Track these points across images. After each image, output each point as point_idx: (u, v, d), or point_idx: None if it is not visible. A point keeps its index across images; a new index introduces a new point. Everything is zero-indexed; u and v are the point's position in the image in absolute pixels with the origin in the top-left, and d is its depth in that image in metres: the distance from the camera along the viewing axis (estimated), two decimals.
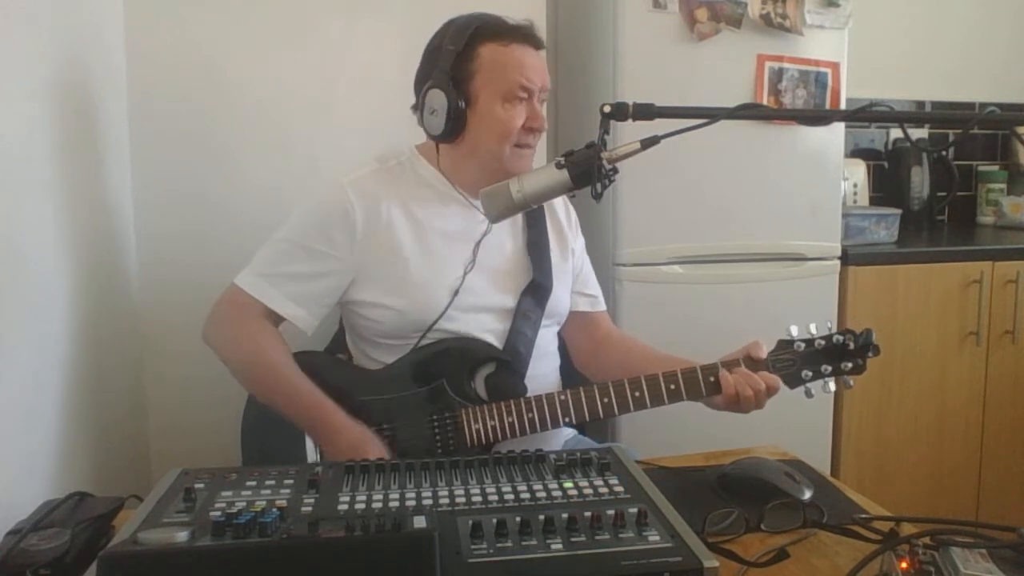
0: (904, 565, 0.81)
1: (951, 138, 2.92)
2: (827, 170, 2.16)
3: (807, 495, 1.07)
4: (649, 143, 1.03)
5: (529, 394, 1.31)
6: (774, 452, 1.28)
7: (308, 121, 2.02)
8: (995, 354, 2.36)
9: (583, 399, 1.24)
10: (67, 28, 1.51)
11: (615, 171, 1.06)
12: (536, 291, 1.40)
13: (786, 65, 2.06)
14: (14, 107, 1.22)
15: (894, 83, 2.82)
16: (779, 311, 2.08)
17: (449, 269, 1.35)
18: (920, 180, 2.73)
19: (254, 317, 1.30)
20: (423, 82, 1.34)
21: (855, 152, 2.87)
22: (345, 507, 0.87)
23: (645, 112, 1.04)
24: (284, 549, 0.72)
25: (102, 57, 1.76)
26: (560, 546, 0.78)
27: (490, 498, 0.90)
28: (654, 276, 2.04)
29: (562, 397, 1.25)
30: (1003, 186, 2.97)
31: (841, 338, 1.19)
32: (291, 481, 0.94)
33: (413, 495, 0.91)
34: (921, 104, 2.90)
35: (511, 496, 0.90)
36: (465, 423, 1.25)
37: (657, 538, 0.80)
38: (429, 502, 0.89)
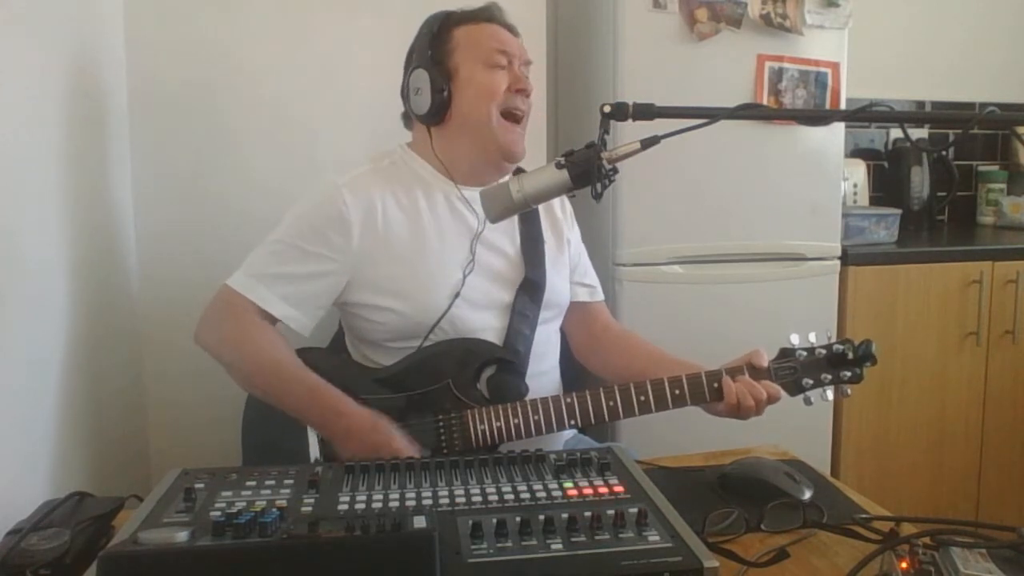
0: (904, 565, 0.81)
1: (951, 138, 2.92)
2: (827, 170, 2.16)
3: (807, 495, 1.07)
4: (649, 143, 1.03)
5: (530, 393, 1.31)
6: (774, 452, 1.28)
7: (309, 119, 2.02)
8: (995, 354, 2.36)
9: (589, 402, 1.24)
10: (67, 26, 1.51)
11: (615, 171, 1.06)
12: (530, 288, 1.40)
13: (786, 65, 2.06)
14: (14, 105, 1.22)
15: (894, 83, 2.82)
16: (779, 311, 2.08)
17: (448, 270, 1.34)
18: (920, 180, 2.73)
19: (249, 317, 1.29)
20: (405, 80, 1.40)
21: (855, 152, 2.87)
22: (345, 507, 0.87)
23: (645, 112, 1.04)
24: (284, 549, 0.72)
25: (103, 55, 1.76)
26: (560, 546, 0.78)
27: (490, 498, 0.90)
28: (654, 276, 2.04)
29: (568, 400, 1.25)
30: (1003, 186, 2.97)
31: (841, 347, 1.20)
32: (291, 481, 0.94)
33: (413, 495, 0.91)
34: (921, 104, 2.90)
35: (511, 496, 0.90)
36: (471, 424, 1.25)
37: (657, 538, 0.80)
38: (429, 502, 0.89)
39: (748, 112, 1.10)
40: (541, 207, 1.46)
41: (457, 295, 1.33)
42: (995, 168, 3.04)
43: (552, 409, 1.24)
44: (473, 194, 1.36)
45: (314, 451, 1.26)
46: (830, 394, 1.21)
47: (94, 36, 1.71)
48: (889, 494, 2.27)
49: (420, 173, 1.40)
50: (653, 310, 2.03)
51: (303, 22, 2.00)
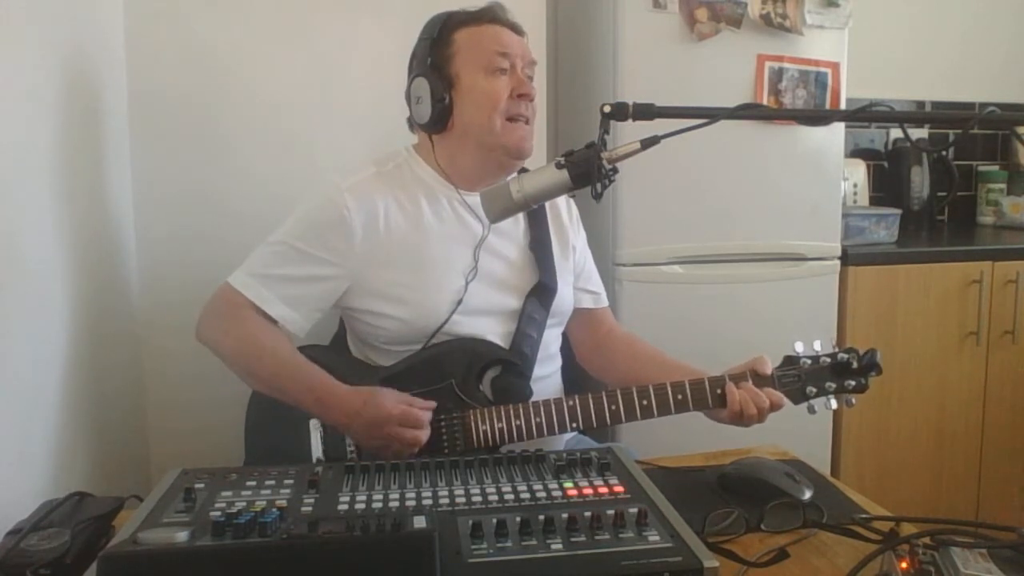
0: (904, 565, 0.81)
1: (951, 138, 2.92)
2: (827, 170, 2.16)
3: (807, 495, 1.07)
4: (649, 143, 1.03)
5: (533, 396, 1.31)
6: (774, 452, 1.28)
7: (309, 121, 2.02)
8: (995, 354, 2.36)
9: (591, 405, 1.24)
10: (67, 28, 1.51)
11: (615, 171, 1.06)
12: (542, 293, 1.40)
13: (786, 65, 2.06)
14: (13, 106, 1.22)
15: (894, 83, 2.82)
16: (779, 311, 2.09)
17: (450, 277, 1.34)
18: (920, 180, 2.73)
19: (246, 312, 1.29)
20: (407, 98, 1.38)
21: (855, 152, 2.87)
22: (345, 507, 0.87)
23: (645, 112, 1.04)
24: (284, 549, 0.72)
25: (102, 57, 1.76)
26: (560, 546, 0.78)
27: (490, 498, 0.90)
28: (654, 276, 2.04)
29: (570, 403, 1.25)
30: (1003, 186, 2.97)
31: (846, 356, 1.20)
32: (291, 481, 0.94)
33: (413, 495, 0.91)
34: (921, 104, 2.90)
35: (511, 496, 0.90)
36: (473, 425, 1.25)
37: (657, 538, 0.80)
38: (429, 502, 0.89)
39: (748, 112, 1.10)
40: (548, 212, 1.47)
41: (459, 302, 1.32)
42: (995, 168, 3.05)
43: (554, 411, 1.24)
44: (476, 200, 1.35)
45: (316, 451, 1.26)
46: (834, 403, 1.21)
47: (94, 39, 1.71)
48: (889, 494, 2.28)
49: (424, 178, 1.39)
50: (653, 310, 2.03)
51: (303, 25, 2.00)
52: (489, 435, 1.24)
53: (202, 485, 0.92)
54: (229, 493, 0.91)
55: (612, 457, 1.01)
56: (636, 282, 2.03)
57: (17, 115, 1.23)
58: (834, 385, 1.20)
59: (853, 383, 1.20)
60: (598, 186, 1.05)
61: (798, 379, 1.21)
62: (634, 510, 0.84)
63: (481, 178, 1.36)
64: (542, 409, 1.24)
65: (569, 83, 2.32)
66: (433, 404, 1.23)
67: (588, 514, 0.83)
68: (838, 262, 2.20)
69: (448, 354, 1.31)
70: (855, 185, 2.69)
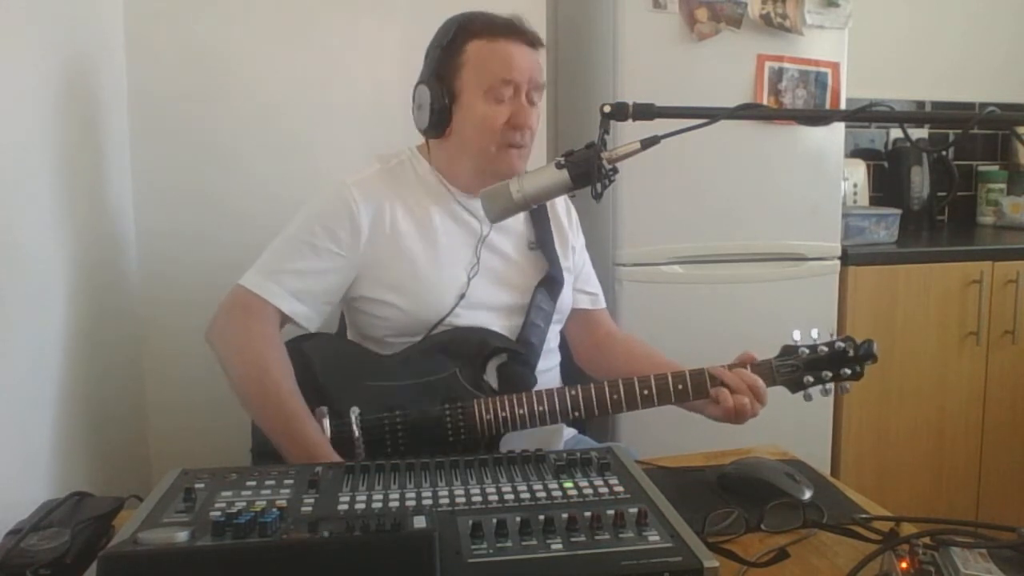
0: (904, 565, 0.81)
1: (951, 138, 2.92)
2: (827, 170, 2.16)
3: (807, 495, 1.07)
4: (649, 143, 1.03)
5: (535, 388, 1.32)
6: (774, 452, 1.28)
7: (308, 120, 2.02)
8: (995, 354, 2.36)
9: (593, 394, 1.25)
10: (67, 27, 1.51)
11: (615, 171, 1.06)
12: (550, 284, 1.41)
13: (786, 65, 2.06)
14: (14, 106, 1.22)
15: (894, 83, 2.82)
16: (779, 311, 2.08)
17: (453, 272, 1.36)
18: (920, 180, 2.73)
19: (260, 323, 1.27)
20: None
21: (855, 152, 2.87)
22: (345, 507, 0.87)
23: (645, 112, 1.04)
24: (284, 549, 0.72)
25: (102, 56, 1.76)
26: (560, 546, 0.78)
27: (490, 498, 0.90)
28: (654, 276, 2.04)
29: (572, 392, 1.26)
30: (1003, 186, 2.97)
31: (843, 345, 1.21)
32: (291, 481, 0.94)
33: (413, 495, 0.91)
34: (921, 104, 2.90)
35: (511, 496, 0.90)
36: (477, 413, 1.26)
37: (657, 538, 0.80)
38: (429, 502, 0.89)
39: (748, 112, 1.10)
40: (549, 214, 1.48)
41: (462, 296, 1.34)
42: (995, 168, 3.05)
43: (557, 400, 1.25)
44: (472, 203, 1.37)
45: None
46: (830, 387, 1.22)
47: (94, 39, 1.71)
48: (889, 494, 2.27)
49: (425, 177, 1.41)
50: (653, 310, 2.03)
51: (303, 25, 2.00)
52: (493, 423, 1.25)
53: (202, 485, 0.92)
54: (229, 493, 0.90)
55: (612, 457, 1.01)
56: (636, 282, 2.03)
57: (17, 115, 1.23)
58: (831, 374, 1.21)
59: (849, 371, 1.20)
60: (598, 186, 1.05)
61: (796, 369, 1.21)
62: (634, 510, 0.84)
63: (476, 186, 1.34)
64: (545, 398, 1.25)
65: (569, 83, 2.32)
66: None
67: (588, 514, 0.83)
68: (838, 262, 2.20)
69: (453, 342, 1.32)
70: (855, 185, 2.69)
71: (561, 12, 2.34)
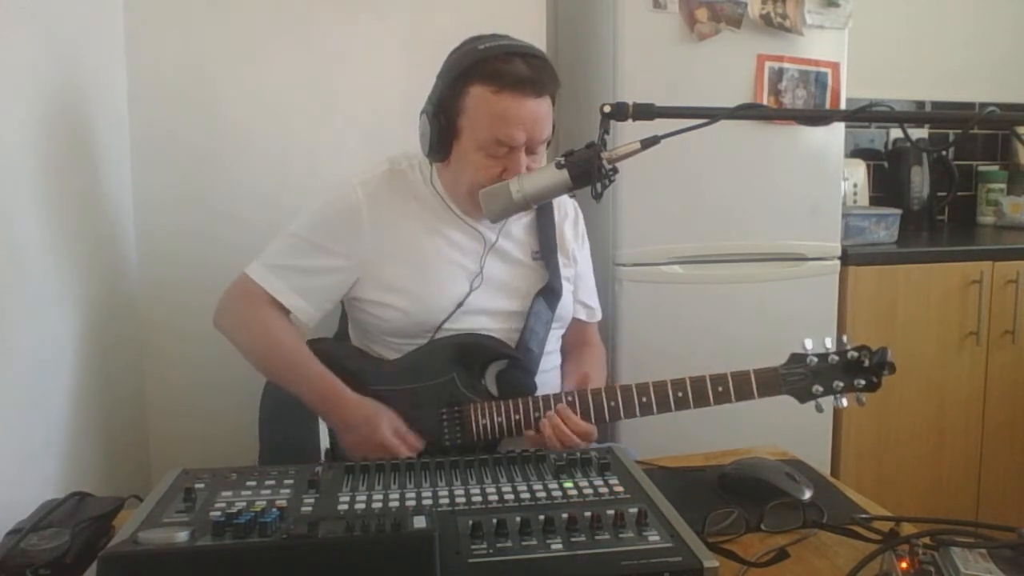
0: (904, 565, 0.81)
1: (951, 138, 2.92)
2: (827, 170, 2.16)
3: (807, 495, 1.07)
4: (649, 143, 1.03)
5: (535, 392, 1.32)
6: (774, 452, 1.28)
7: (308, 123, 2.02)
8: (995, 354, 2.36)
9: (590, 400, 1.25)
10: (67, 31, 1.51)
11: (615, 171, 1.06)
12: (549, 295, 1.41)
13: (786, 65, 2.05)
14: (14, 109, 1.22)
15: (894, 83, 2.82)
16: (779, 311, 2.08)
17: (455, 280, 1.36)
18: (920, 180, 2.73)
19: (262, 305, 1.34)
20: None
21: (855, 152, 2.86)
22: (345, 507, 0.87)
23: (645, 112, 1.04)
24: (284, 549, 0.72)
25: (103, 59, 1.76)
26: (560, 546, 0.78)
27: (490, 498, 0.90)
28: (654, 276, 2.04)
29: (569, 398, 1.26)
30: (1003, 186, 2.97)
31: (856, 354, 1.17)
32: (291, 481, 0.94)
33: (413, 495, 0.91)
34: (921, 104, 2.90)
35: (511, 496, 0.90)
36: (472, 418, 1.26)
37: (657, 538, 0.80)
38: (429, 502, 0.89)
39: (748, 112, 1.10)
40: (555, 221, 1.47)
41: (460, 304, 1.34)
42: (995, 168, 3.04)
43: (553, 405, 1.25)
44: (474, 219, 1.37)
45: (324, 442, 1.30)
46: (844, 401, 1.19)
47: (94, 39, 1.71)
48: (889, 494, 2.27)
49: (434, 184, 1.40)
50: (653, 310, 2.03)
51: (302, 29, 2.00)
52: (488, 429, 1.25)
53: (202, 485, 0.93)
54: (229, 493, 0.91)
55: (612, 457, 1.01)
56: (636, 282, 2.03)
57: (18, 119, 1.23)
58: (842, 384, 1.17)
59: (864, 382, 1.17)
60: (598, 186, 1.05)
61: (804, 377, 1.19)
62: (634, 510, 0.84)
63: (473, 208, 1.32)
64: (540, 403, 1.26)
65: (569, 83, 2.31)
66: (421, 446, 1.25)
67: (588, 514, 0.83)
68: (838, 262, 2.20)
69: (451, 348, 1.33)
70: (855, 185, 2.69)
71: (561, 12, 2.34)
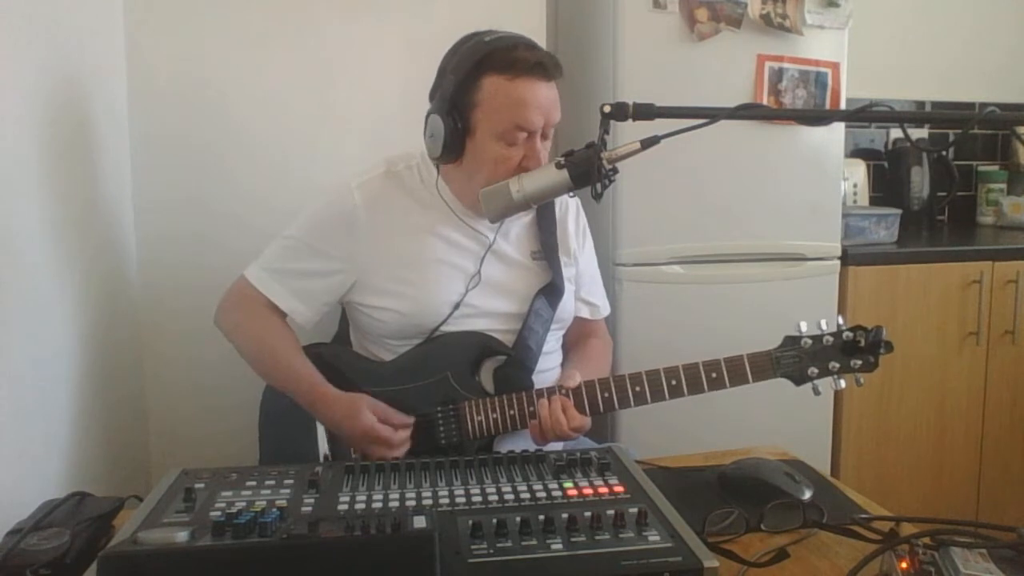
0: (904, 565, 0.81)
1: (951, 138, 2.92)
2: (827, 170, 2.16)
3: (807, 495, 1.07)
4: (649, 143, 1.03)
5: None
6: (774, 452, 1.28)
7: (307, 125, 2.02)
8: (995, 354, 2.36)
9: (584, 393, 1.25)
10: (67, 33, 1.51)
11: (615, 171, 1.06)
12: (551, 293, 1.40)
13: (786, 65, 2.05)
14: (13, 112, 1.22)
15: (894, 83, 2.82)
16: (779, 311, 2.08)
17: (453, 283, 1.35)
18: (920, 180, 2.73)
19: (259, 308, 1.36)
20: (432, 100, 1.33)
21: (855, 152, 2.86)
22: (345, 507, 0.87)
23: (645, 112, 1.04)
24: (284, 549, 0.72)
25: (103, 63, 1.76)
26: (560, 546, 0.78)
27: (490, 498, 0.90)
28: (654, 276, 2.04)
29: (563, 393, 1.26)
30: (1003, 186, 2.97)
31: (851, 334, 1.16)
32: (291, 481, 0.94)
33: (413, 495, 0.91)
34: (921, 104, 2.90)
35: (511, 496, 0.90)
36: (468, 415, 1.26)
37: (657, 538, 0.80)
38: (429, 502, 0.89)
39: (748, 112, 1.10)
40: (556, 220, 1.47)
41: (457, 306, 1.34)
42: (995, 168, 3.04)
43: (548, 399, 1.25)
44: (476, 220, 1.37)
45: (323, 446, 1.30)
46: (843, 383, 1.17)
47: (94, 42, 1.71)
48: (889, 494, 2.27)
49: (432, 187, 1.39)
50: (653, 310, 2.03)
51: (301, 32, 2.00)
52: (484, 425, 1.26)
53: (202, 485, 0.93)
54: (229, 493, 0.91)
55: (612, 457, 1.01)
56: (636, 282, 2.03)
57: (17, 122, 1.23)
58: (838, 365, 1.16)
59: (860, 362, 1.15)
60: (598, 186, 1.05)
61: (798, 360, 1.18)
62: (634, 510, 0.84)
63: (479, 209, 1.33)
64: (535, 398, 1.25)
65: (569, 83, 2.31)
66: (410, 421, 1.25)
67: (588, 514, 0.83)
68: (838, 262, 2.20)
69: (444, 347, 1.33)
70: (855, 185, 2.69)
71: (561, 12, 2.34)
